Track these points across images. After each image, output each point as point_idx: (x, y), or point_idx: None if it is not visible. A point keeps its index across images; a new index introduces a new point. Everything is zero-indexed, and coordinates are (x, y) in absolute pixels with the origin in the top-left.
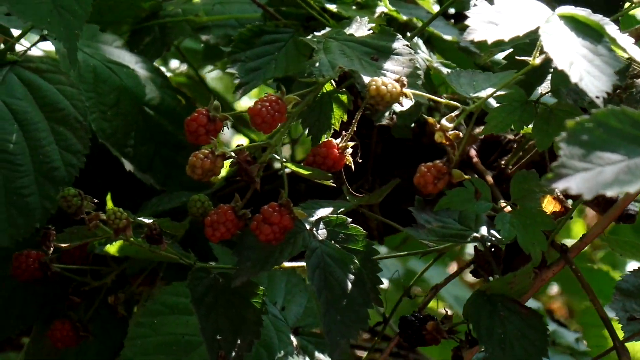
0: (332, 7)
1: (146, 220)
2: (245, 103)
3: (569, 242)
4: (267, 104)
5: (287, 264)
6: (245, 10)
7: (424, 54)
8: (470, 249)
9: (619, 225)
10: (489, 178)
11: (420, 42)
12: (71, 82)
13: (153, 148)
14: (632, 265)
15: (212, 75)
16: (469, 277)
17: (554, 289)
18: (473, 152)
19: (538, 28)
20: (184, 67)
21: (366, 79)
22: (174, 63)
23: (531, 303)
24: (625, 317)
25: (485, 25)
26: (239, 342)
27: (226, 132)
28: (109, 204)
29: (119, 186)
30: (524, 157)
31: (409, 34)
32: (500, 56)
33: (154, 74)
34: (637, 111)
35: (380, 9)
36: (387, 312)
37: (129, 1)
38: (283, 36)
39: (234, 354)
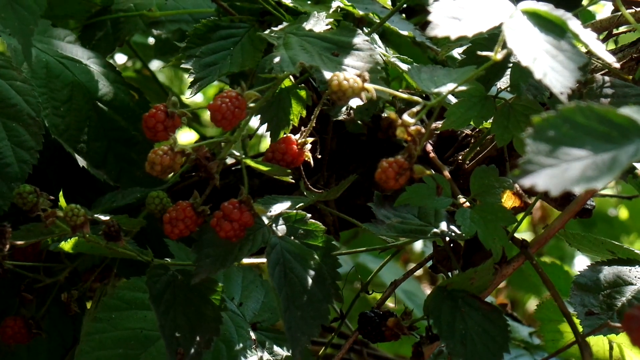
0: (288, 2)
1: (103, 217)
2: (192, 98)
3: (518, 236)
4: (227, 100)
5: (246, 261)
6: (199, 5)
7: (380, 49)
8: (418, 245)
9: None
10: (446, 173)
11: (376, 37)
12: (23, 78)
13: (106, 144)
14: (580, 259)
15: (155, 68)
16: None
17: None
18: (429, 147)
19: (501, 24)
20: (130, 62)
21: (327, 75)
22: (121, 58)
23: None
24: (584, 312)
25: (448, 20)
26: (197, 339)
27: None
28: (62, 201)
29: (72, 182)
30: (481, 152)
31: (365, 29)
32: (455, 51)
33: (106, 69)
34: (603, 107)
35: (336, 3)
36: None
37: None
38: (238, 31)
39: (193, 350)
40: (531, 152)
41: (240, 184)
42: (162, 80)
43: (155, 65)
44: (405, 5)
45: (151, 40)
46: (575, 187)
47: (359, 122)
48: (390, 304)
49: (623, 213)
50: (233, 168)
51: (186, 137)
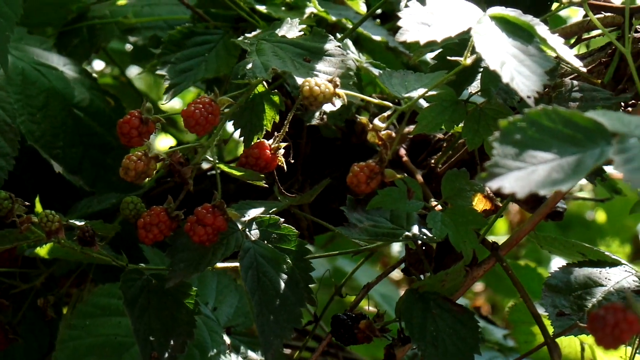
0: (262, 8)
1: (78, 223)
2: (170, 104)
3: (493, 239)
4: (201, 106)
5: (220, 265)
6: (174, 12)
7: (353, 54)
8: (396, 247)
9: (543, 222)
10: (419, 177)
11: (349, 42)
12: None
13: (82, 150)
14: (556, 262)
15: (133, 75)
16: (395, 274)
17: (478, 285)
18: (402, 151)
19: (470, 29)
20: (108, 69)
21: (299, 80)
22: (99, 64)
23: (459, 300)
24: (555, 312)
25: (417, 26)
26: (171, 342)
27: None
28: (38, 207)
29: (48, 188)
30: (454, 156)
31: (338, 35)
32: (428, 56)
33: (82, 76)
34: (569, 110)
35: (310, 9)
36: (317, 312)
37: (57, 3)
38: (213, 37)
39: (167, 354)
40: (498, 155)
41: (215, 189)
42: (141, 87)
43: (134, 71)
44: (380, 11)
45: (128, 47)
46: (542, 189)
47: (333, 126)
48: (371, 308)
49: (600, 216)
50: (208, 173)
51: (166, 143)
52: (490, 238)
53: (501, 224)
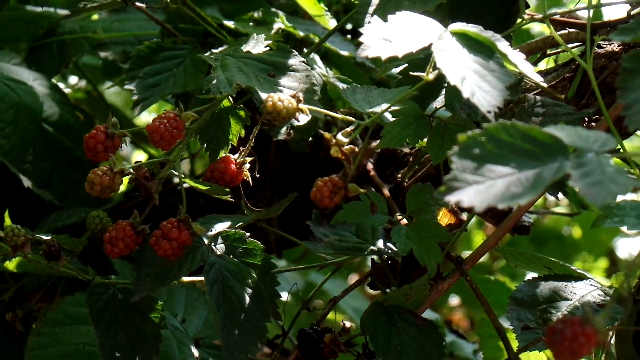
0: (230, 24)
1: (44, 237)
2: (146, 118)
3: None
4: (165, 120)
5: (186, 279)
6: (144, 27)
7: (320, 69)
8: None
9: (517, 237)
10: (386, 191)
11: (317, 57)
12: None
13: (52, 164)
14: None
15: (111, 90)
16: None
17: (455, 300)
18: (370, 166)
19: (431, 44)
20: (83, 83)
21: (263, 95)
22: (74, 79)
23: (429, 314)
24: (520, 326)
25: (379, 41)
26: (137, 358)
27: (127, 149)
28: (7, 221)
29: (17, 202)
30: (420, 171)
31: (306, 50)
32: (396, 71)
33: (52, 91)
34: (527, 125)
35: (278, 25)
36: (286, 325)
37: (27, 18)
38: (181, 52)
39: None
40: (456, 169)
41: (186, 200)
42: (119, 102)
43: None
44: (350, 27)
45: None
46: (500, 203)
47: (302, 142)
48: (348, 323)
49: (576, 231)
50: (178, 188)
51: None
52: (467, 253)
53: (479, 239)
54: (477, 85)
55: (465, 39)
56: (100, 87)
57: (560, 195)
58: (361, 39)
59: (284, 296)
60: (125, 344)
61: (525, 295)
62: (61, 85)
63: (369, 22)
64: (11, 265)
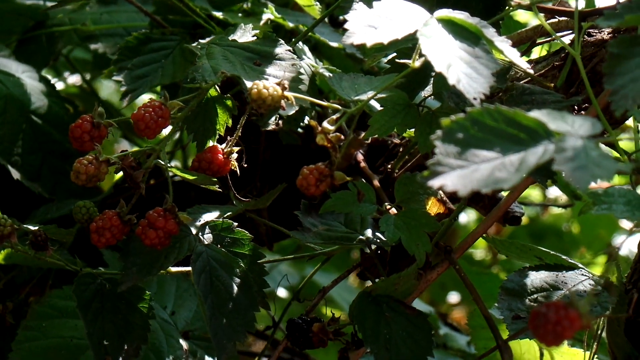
0: (219, 15)
1: (32, 227)
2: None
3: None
4: (151, 109)
5: (175, 269)
6: (133, 19)
7: (309, 60)
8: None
9: (516, 232)
10: (376, 182)
11: (306, 48)
12: None
13: (41, 156)
14: None
15: (109, 86)
16: (367, 284)
17: (455, 298)
18: (360, 157)
19: (416, 31)
20: (78, 79)
21: (249, 84)
22: (74, 77)
23: (423, 308)
24: (510, 316)
25: (364, 28)
26: (125, 347)
27: (123, 144)
28: None
29: (6, 195)
30: (410, 161)
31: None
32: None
33: (41, 83)
34: (512, 109)
35: (267, 16)
36: (278, 317)
37: (16, 10)
38: (170, 43)
39: (120, 359)
40: (440, 154)
41: (175, 193)
42: (115, 98)
43: (105, 82)
44: (341, 18)
45: None
46: (484, 187)
47: (293, 133)
48: (337, 313)
49: (575, 227)
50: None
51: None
52: None
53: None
54: (463, 72)
55: (452, 26)
56: (95, 82)
57: (560, 192)
58: (346, 25)
59: (280, 290)
60: (113, 333)
61: (516, 285)
62: (56, 80)
63: (354, 9)
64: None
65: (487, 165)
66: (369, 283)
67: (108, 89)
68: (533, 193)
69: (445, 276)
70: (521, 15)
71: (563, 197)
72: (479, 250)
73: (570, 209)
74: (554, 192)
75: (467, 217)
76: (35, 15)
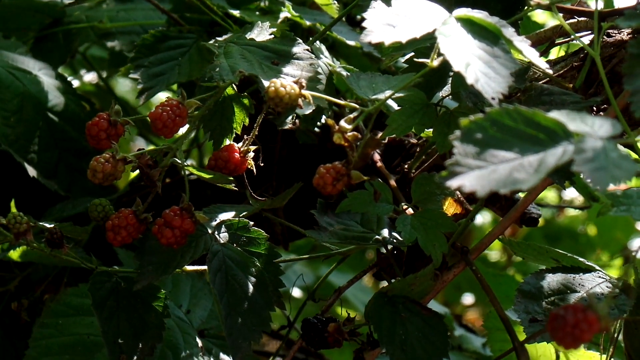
0: (236, 13)
1: (47, 225)
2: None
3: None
4: (168, 108)
5: (191, 268)
6: (150, 16)
7: (326, 59)
8: None
9: (531, 233)
10: (393, 182)
11: (323, 47)
12: None
13: (57, 154)
14: None
15: (125, 84)
16: (382, 284)
17: (470, 299)
18: (377, 157)
19: (435, 30)
20: (94, 76)
21: (266, 83)
22: (90, 75)
23: (439, 309)
24: (527, 319)
25: (382, 27)
26: (140, 345)
27: (139, 142)
28: (13, 210)
29: (22, 192)
30: (427, 161)
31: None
32: (404, 61)
33: (57, 80)
34: (531, 110)
35: (284, 14)
36: (293, 317)
37: (33, 8)
38: (187, 41)
39: (135, 357)
40: (458, 154)
41: (191, 192)
42: (131, 97)
43: (122, 81)
44: (359, 17)
45: None
46: (502, 188)
47: (310, 133)
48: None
49: (591, 230)
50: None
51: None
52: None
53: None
54: (482, 72)
55: (470, 25)
56: (111, 80)
57: (576, 194)
58: (364, 24)
59: (294, 290)
60: (128, 331)
61: (532, 287)
62: (74, 80)
63: (372, 7)
64: (15, 254)
65: (505, 166)
66: (384, 283)
67: (124, 87)
68: (549, 195)
69: (460, 277)
70: (539, 16)
71: (579, 199)
72: (494, 252)
73: (586, 211)
74: (569, 193)
75: (483, 218)
76: (53, 13)
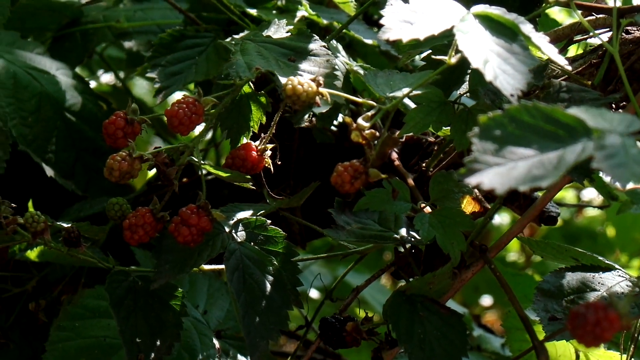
0: (253, 12)
1: (65, 225)
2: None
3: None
4: (184, 105)
5: (208, 267)
6: (167, 16)
7: (343, 58)
8: None
9: (549, 232)
10: (410, 180)
11: (340, 46)
12: None
13: (74, 154)
14: None
15: (142, 85)
16: (399, 284)
17: (488, 301)
18: (394, 155)
19: (453, 27)
20: (111, 77)
21: (283, 80)
22: (106, 75)
23: (457, 309)
24: (547, 317)
25: (400, 24)
26: (158, 344)
27: (155, 141)
28: (31, 210)
29: (40, 192)
30: (445, 159)
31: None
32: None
33: (75, 80)
34: (549, 106)
35: (301, 13)
36: (310, 317)
37: (51, 7)
38: (204, 40)
39: (153, 356)
40: (477, 151)
41: (208, 191)
42: (148, 98)
43: (139, 81)
44: (377, 17)
45: None
46: (522, 185)
47: (327, 131)
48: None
49: (610, 230)
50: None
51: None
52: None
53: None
54: (500, 68)
55: (488, 21)
56: (128, 81)
57: (595, 194)
58: (382, 21)
59: (312, 292)
60: (145, 331)
61: (552, 286)
62: (89, 79)
63: (390, 4)
64: (32, 254)
65: (524, 163)
66: (401, 283)
67: (140, 87)
68: (567, 195)
69: (479, 278)
70: (556, 14)
71: (598, 199)
72: (512, 253)
73: (604, 212)
74: (588, 194)
75: (500, 218)
76: (70, 12)
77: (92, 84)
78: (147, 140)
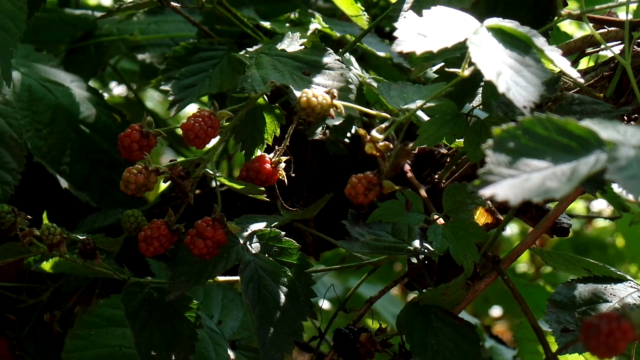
0: (266, 24)
1: (80, 236)
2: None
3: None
4: (200, 119)
5: (222, 278)
6: (181, 29)
7: (356, 70)
8: None
9: (560, 243)
10: (423, 192)
11: (352, 59)
12: (6, 101)
13: (89, 166)
14: None
15: (154, 97)
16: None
17: (498, 312)
18: (407, 167)
19: (466, 39)
20: (124, 89)
21: (297, 93)
22: (119, 88)
23: (467, 318)
24: (559, 329)
25: (413, 36)
26: (173, 357)
27: (167, 154)
28: (45, 222)
29: (55, 204)
30: (457, 171)
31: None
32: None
33: (89, 93)
34: (563, 118)
35: (314, 25)
36: (323, 329)
37: (65, 21)
38: (217, 53)
39: None
40: (491, 163)
41: (221, 203)
42: (161, 110)
43: (153, 94)
44: (389, 30)
45: None
46: (535, 197)
47: (340, 144)
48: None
49: (620, 241)
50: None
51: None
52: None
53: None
54: (513, 81)
55: (501, 34)
56: (142, 92)
57: (604, 205)
58: (395, 33)
59: (324, 303)
60: (161, 342)
61: (564, 297)
62: (102, 92)
63: (404, 17)
64: (47, 265)
65: (538, 175)
66: (412, 294)
67: (153, 100)
68: (577, 206)
69: (489, 289)
70: (566, 27)
71: (607, 210)
72: (522, 264)
73: (614, 223)
74: (597, 205)
75: (510, 230)
76: (84, 26)
77: (105, 96)
78: (160, 152)
